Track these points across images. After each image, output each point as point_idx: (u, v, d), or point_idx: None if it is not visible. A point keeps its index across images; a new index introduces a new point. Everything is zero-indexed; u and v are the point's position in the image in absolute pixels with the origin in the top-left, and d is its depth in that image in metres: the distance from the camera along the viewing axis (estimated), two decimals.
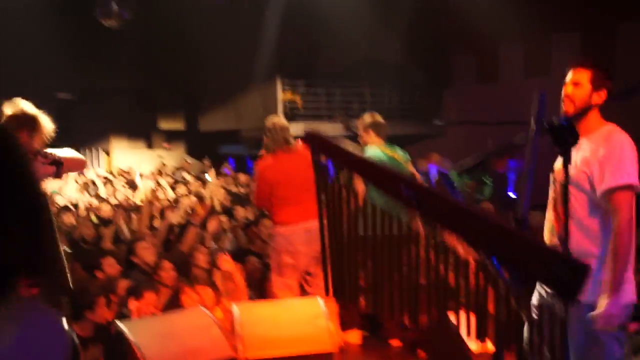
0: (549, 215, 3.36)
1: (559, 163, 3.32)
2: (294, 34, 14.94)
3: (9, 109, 3.58)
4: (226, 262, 5.67)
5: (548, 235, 3.32)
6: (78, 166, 4.02)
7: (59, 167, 3.60)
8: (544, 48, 13.94)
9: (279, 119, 5.94)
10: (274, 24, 14.48)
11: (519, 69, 14.56)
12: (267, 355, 4.47)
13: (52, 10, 13.50)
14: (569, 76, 3.30)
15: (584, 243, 3.08)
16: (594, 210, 3.11)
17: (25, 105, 3.64)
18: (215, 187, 10.87)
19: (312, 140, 1.88)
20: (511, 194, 12.70)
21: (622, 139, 3.13)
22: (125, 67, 16.59)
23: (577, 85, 3.25)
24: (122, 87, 17.71)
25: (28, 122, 3.56)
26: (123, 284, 5.09)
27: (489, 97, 14.77)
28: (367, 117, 6.08)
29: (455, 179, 14.41)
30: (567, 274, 1.21)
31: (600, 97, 3.22)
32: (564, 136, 2.23)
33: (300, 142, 5.82)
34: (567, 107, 3.26)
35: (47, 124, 3.66)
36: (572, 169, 3.09)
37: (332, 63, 15.51)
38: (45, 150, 3.60)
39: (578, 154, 3.17)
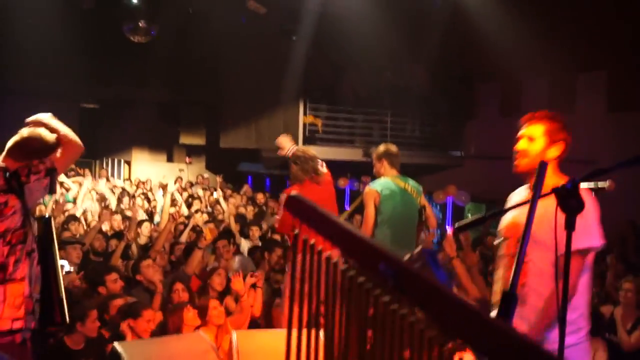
0: (500, 274, 3.16)
1: (508, 217, 3.18)
2: (320, 58, 15.00)
3: (25, 131, 3.49)
4: (238, 282, 5.60)
5: (498, 297, 3.09)
6: (72, 154, 3.69)
7: (53, 175, 3.43)
8: (569, 85, 13.83)
9: (308, 148, 5.97)
10: (300, 47, 14.54)
11: (543, 105, 14.40)
12: None
13: (79, 22, 13.69)
14: (522, 130, 3.13)
15: (540, 304, 2.90)
16: (547, 269, 2.89)
17: (44, 133, 3.53)
18: (231, 207, 10.84)
19: (292, 204, 1.83)
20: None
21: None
22: (151, 80, 16.76)
23: (531, 139, 3.08)
24: (146, 99, 17.88)
25: (41, 152, 3.46)
26: (117, 302, 5.06)
27: (511, 130, 14.66)
28: (381, 147, 6.11)
29: (472, 212, 14.31)
30: None
31: (557, 150, 3.06)
32: (568, 200, 2.13)
33: (327, 170, 5.86)
34: (518, 163, 3.08)
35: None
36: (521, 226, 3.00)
37: (356, 89, 15.52)
38: (33, 161, 3.43)
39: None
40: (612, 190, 5.26)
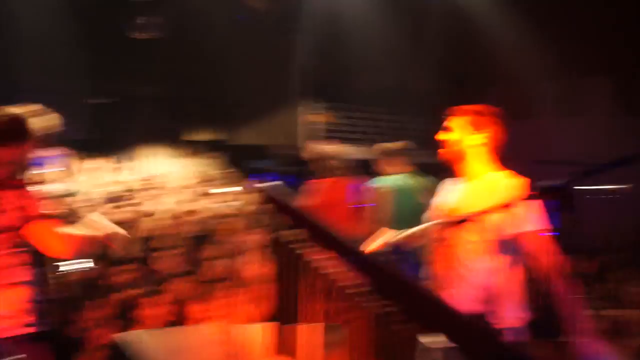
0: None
1: (441, 199, 3.36)
2: (325, 57, 15.02)
3: None
4: (252, 268, 5.59)
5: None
6: (55, 247, 3.03)
7: (25, 221, 2.98)
8: (577, 88, 13.84)
9: (328, 146, 6.08)
10: (306, 45, 14.61)
11: (551, 108, 14.44)
12: None
13: (85, 18, 13.80)
14: (445, 122, 3.31)
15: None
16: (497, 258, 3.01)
17: (11, 111, 3.21)
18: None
19: (270, 199, 1.92)
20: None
21: (512, 185, 3.05)
22: (159, 76, 16.82)
23: (449, 130, 3.26)
24: (155, 95, 17.92)
25: (15, 133, 3.15)
26: (130, 293, 5.14)
27: (518, 133, 14.65)
28: (386, 145, 6.16)
29: None
30: None
31: (478, 140, 3.19)
32: (556, 199, 2.18)
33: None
34: (439, 152, 3.29)
35: (41, 122, 3.27)
36: (448, 213, 3.16)
37: (360, 88, 15.52)
38: (32, 189, 3.05)
39: (455, 198, 3.17)
40: (629, 192, 5.27)
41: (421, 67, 15.24)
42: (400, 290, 1.53)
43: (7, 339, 2.70)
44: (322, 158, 5.90)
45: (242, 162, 18.96)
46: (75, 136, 16.78)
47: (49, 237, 2.97)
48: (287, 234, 2.01)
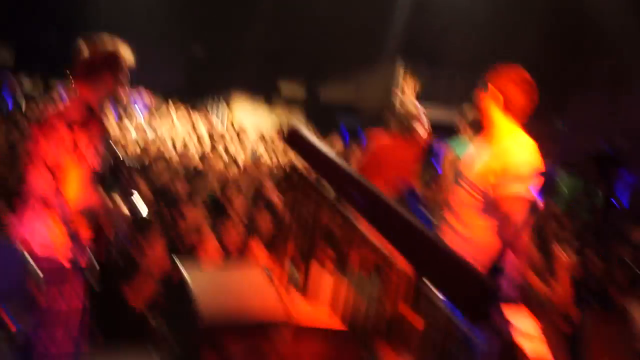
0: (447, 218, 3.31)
1: (465, 162, 3.40)
2: (423, 18, 14.81)
3: (86, 50, 3.19)
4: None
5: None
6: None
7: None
8: None
9: (414, 107, 5.97)
10: (405, 4, 14.42)
11: None
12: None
13: None
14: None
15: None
16: (485, 216, 3.08)
17: (103, 42, 3.23)
18: None
19: (292, 137, 1.98)
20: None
21: (523, 148, 3.09)
22: (256, 29, 17.06)
23: (477, 93, 3.28)
24: (250, 47, 18.21)
25: (110, 62, 3.18)
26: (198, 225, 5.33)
27: (619, 105, 14.07)
28: (470, 113, 5.99)
29: (567, 184, 13.90)
30: (474, 293, 1.21)
31: (493, 99, 3.17)
32: (604, 167, 2.16)
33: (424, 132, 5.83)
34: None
35: (127, 55, 3.27)
36: (472, 174, 3.20)
37: (458, 51, 15.21)
38: (100, 134, 3.05)
39: (479, 159, 3.20)
40: None
41: (524, 34, 14.79)
42: (408, 234, 1.57)
43: (39, 264, 2.73)
44: (400, 114, 5.77)
45: (332, 117, 19.09)
46: (171, 83, 17.34)
47: (72, 182, 2.99)
48: (307, 176, 2.06)
